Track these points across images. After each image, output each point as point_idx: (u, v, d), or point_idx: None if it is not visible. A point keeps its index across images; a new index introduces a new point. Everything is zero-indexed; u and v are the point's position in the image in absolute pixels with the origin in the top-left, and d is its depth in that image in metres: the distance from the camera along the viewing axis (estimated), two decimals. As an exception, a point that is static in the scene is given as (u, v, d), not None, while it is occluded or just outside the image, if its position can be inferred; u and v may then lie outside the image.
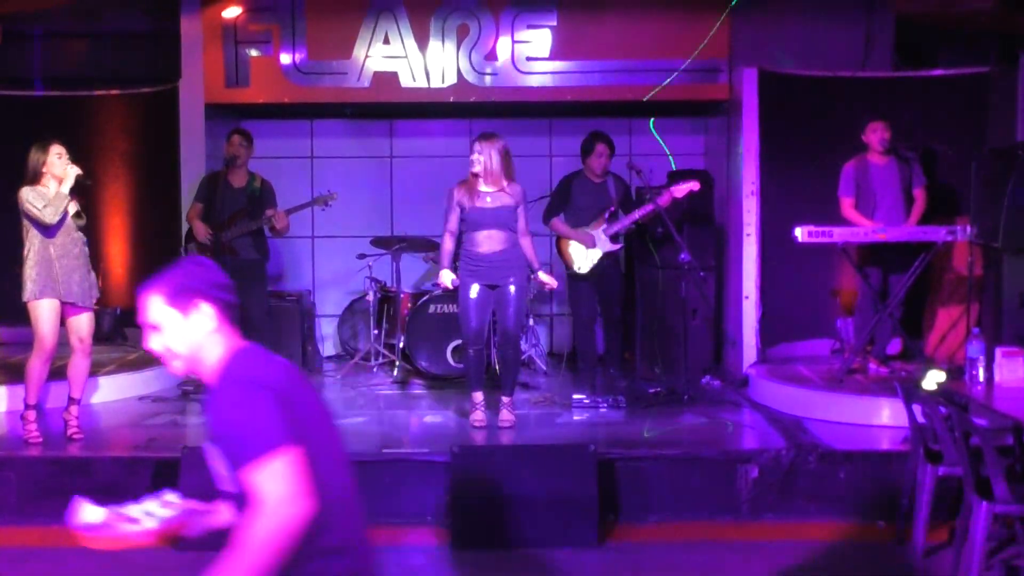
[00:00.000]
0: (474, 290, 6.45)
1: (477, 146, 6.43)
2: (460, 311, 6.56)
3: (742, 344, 7.96)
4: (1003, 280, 6.67)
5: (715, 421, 6.83)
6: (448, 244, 6.56)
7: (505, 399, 6.61)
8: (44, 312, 6.12)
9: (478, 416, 6.57)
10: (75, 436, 6.27)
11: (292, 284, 9.41)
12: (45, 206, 6.05)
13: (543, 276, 6.61)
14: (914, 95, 8.09)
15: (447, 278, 6.57)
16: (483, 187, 6.42)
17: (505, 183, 6.42)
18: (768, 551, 5.32)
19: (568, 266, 7.43)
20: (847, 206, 7.31)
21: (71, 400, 6.35)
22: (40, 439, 6.16)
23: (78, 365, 6.34)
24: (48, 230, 6.09)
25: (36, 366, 6.19)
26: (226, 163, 7.63)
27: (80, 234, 6.28)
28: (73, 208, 6.19)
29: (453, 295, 7.41)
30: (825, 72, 8.14)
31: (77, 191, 6.20)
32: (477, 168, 6.40)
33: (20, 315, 6.33)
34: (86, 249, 6.31)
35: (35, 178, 6.17)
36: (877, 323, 7.24)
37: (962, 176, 7.51)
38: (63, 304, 6.16)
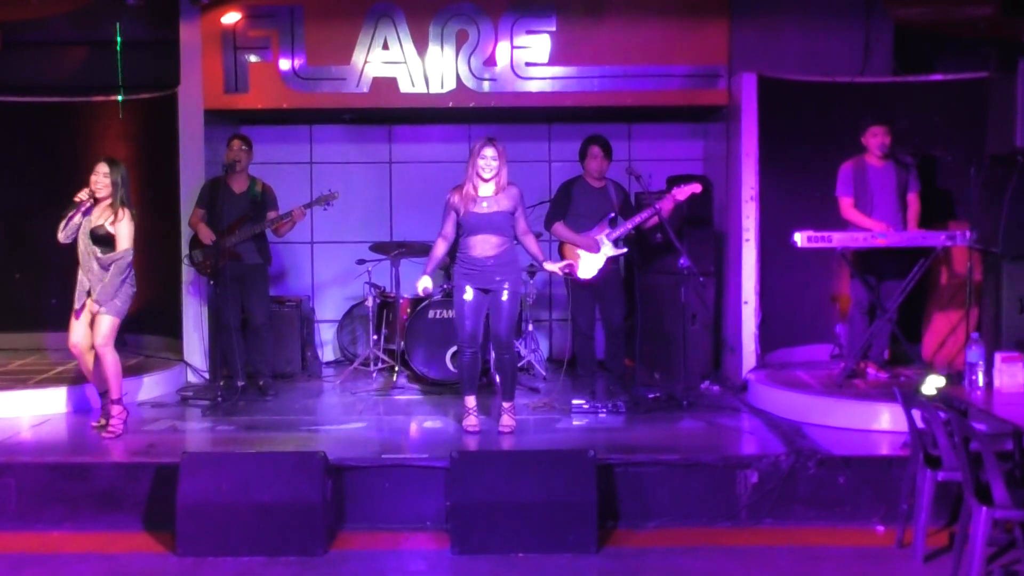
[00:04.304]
0: (468, 293, 6.46)
1: (491, 151, 6.35)
2: (455, 314, 6.57)
3: (741, 349, 7.96)
4: (1002, 285, 6.67)
5: (714, 426, 6.84)
6: (440, 249, 6.53)
7: (506, 404, 6.61)
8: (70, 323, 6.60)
9: (471, 421, 6.58)
10: (108, 435, 6.48)
11: (291, 289, 9.42)
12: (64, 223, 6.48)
13: (550, 265, 6.63)
14: (913, 100, 8.11)
15: (423, 284, 6.51)
16: (481, 192, 6.41)
17: (503, 187, 6.43)
18: (768, 557, 5.31)
19: (571, 272, 7.41)
20: (847, 206, 7.31)
21: (112, 401, 6.61)
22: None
23: (99, 367, 6.61)
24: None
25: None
26: (226, 168, 7.66)
27: (95, 248, 6.44)
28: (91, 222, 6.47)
29: (452, 301, 7.41)
30: (824, 78, 8.15)
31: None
32: (489, 173, 6.36)
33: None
34: (102, 260, 6.44)
35: None
36: (876, 328, 7.25)
37: (959, 181, 7.52)
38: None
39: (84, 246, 6.45)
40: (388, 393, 7.93)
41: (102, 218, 6.44)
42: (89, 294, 6.44)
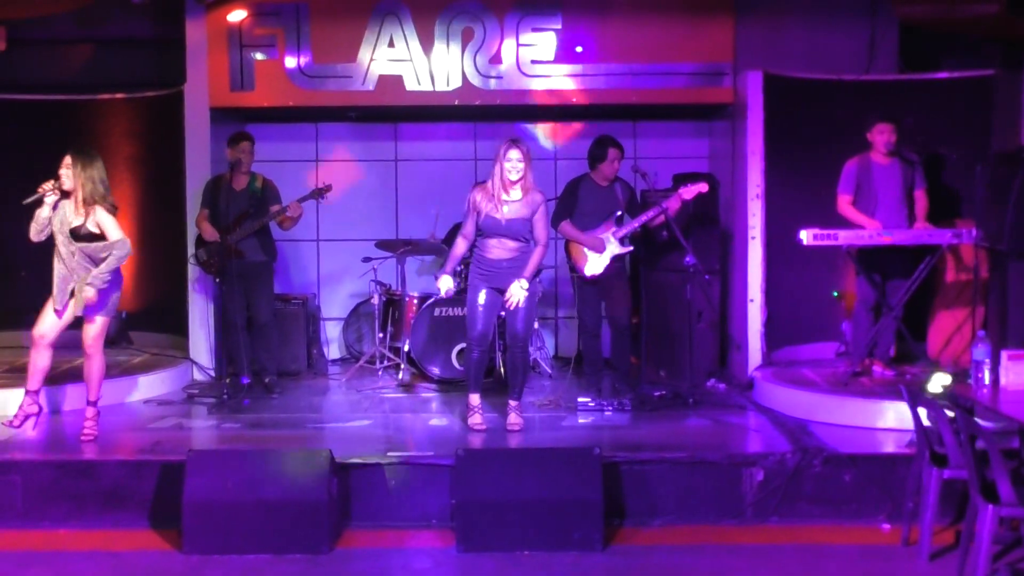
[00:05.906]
0: (482, 295, 6.46)
1: (517, 153, 6.32)
2: (468, 313, 6.56)
3: (747, 347, 7.96)
4: (1008, 283, 6.67)
5: (720, 424, 6.83)
6: (460, 248, 6.51)
7: (513, 403, 6.61)
8: (43, 310, 6.37)
9: (476, 420, 6.58)
10: (84, 437, 6.33)
11: (297, 287, 9.43)
12: (32, 221, 6.34)
13: (516, 286, 6.37)
14: (918, 98, 8.10)
15: (445, 285, 6.47)
16: (505, 195, 6.38)
17: (528, 190, 6.42)
18: (773, 555, 5.31)
19: (577, 270, 7.42)
20: (844, 203, 7.31)
21: (87, 402, 6.48)
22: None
23: (84, 367, 6.47)
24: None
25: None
26: (231, 167, 7.64)
27: (80, 246, 6.23)
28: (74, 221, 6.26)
29: (459, 298, 7.42)
30: (829, 75, 8.14)
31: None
32: (516, 175, 6.33)
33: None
34: (94, 256, 6.29)
35: None
36: (881, 326, 7.25)
37: (965, 179, 7.51)
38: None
39: (67, 248, 6.25)
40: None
41: (79, 217, 6.21)
42: (72, 295, 6.27)
